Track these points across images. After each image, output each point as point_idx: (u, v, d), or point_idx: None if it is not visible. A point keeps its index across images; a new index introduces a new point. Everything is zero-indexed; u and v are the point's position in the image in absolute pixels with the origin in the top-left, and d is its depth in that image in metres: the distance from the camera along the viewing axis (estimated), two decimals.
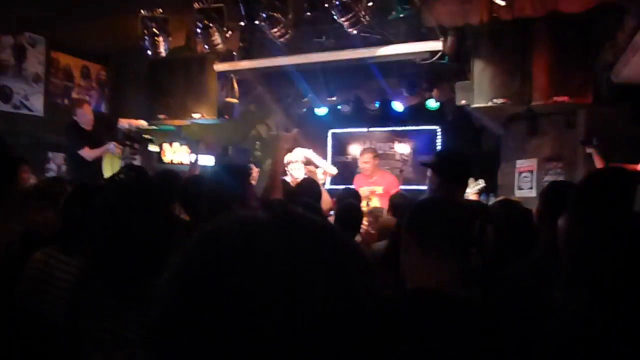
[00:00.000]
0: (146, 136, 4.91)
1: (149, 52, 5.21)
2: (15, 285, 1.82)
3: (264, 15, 4.67)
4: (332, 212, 3.72)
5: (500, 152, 6.13)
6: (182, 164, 6.92)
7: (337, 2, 4.36)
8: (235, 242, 0.45)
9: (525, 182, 5.47)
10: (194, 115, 5.80)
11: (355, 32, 4.59)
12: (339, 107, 6.99)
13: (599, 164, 4.18)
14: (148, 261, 1.21)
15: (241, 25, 5.14)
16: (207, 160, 7.30)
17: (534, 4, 4.33)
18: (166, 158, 6.73)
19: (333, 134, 8.20)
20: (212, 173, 2.41)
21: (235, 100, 6.03)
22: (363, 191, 4.85)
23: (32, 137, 5.44)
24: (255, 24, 4.83)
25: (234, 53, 5.62)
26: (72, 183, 3.48)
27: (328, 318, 0.42)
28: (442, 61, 4.99)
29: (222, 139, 7.42)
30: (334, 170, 5.02)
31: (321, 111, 7.16)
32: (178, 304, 0.44)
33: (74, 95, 6.03)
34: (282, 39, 4.86)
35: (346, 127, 8.05)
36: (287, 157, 4.38)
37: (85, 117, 4.93)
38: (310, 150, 4.89)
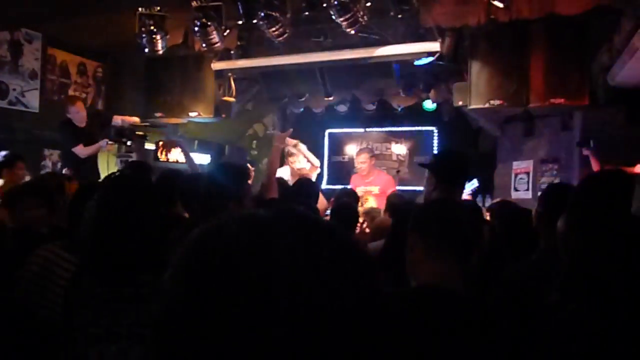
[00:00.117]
0: (139, 133, 4.89)
1: (147, 50, 5.19)
2: (10, 281, 1.81)
3: (262, 14, 4.66)
4: (327, 212, 3.73)
5: (497, 154, 6.15)
6: (177, 162, 6.90)
7: (336, 2, 4.36)
8: (238, 239, 0.45)
9: (522, 183, 5.49)
10: (191, 113, 5.79)
11: (353, 32, 4.59)
12: (335, 107, 6.99)
13: (595, 166, 4.20)
14: (142, 258, 1.21)
15: (239, 24, 5.12)
16: (203, 159, 7.30)
17: (531, 5, 4.35)
18: (162, 156, 6.71)
19: (330, 133, 8.21)
20: (209, 172, 2.42)
21: (232, 99, 6.02)
22: (359, 191, 4.87)
23: (27, 133, 5.42)
24: (254, 22, 4.82)
25: (232, 52, 5.61)
26: (70, 178, 3.47)
27: (332, 314, 0.42)
28: (440, 62, 5.00)
29: (218, 138, 7.42)
30: (317, 163, 5.12)
31: (318, 111, 7.16)
32: (181, 300, 0.44)
33: (70, 92, 6.01)
34: (280, 38, 4.85)
35: (343, 127, 8.06)
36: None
37: (78, 114, 4.92)
38: (297, 142, 4.94)
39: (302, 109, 7.00)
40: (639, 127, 4.35)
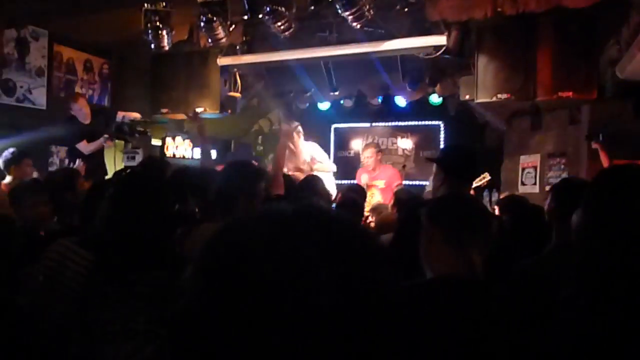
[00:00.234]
0: (140, 129, 4.89)
1: (152, 46, 5.20)
2: (17, 278, 1.83)
3: (268, 9, 4.65)
4: (332, 207, 3.72)
5: (504, 148, 6.12)
6: (184, 157, 6.92)
7: None
8: (260, 235, 0.45)
9: (529, 177, 5.47)
10: (196, 109, 5.79)
11: (359, 26, 4.57)
12: (341, 101, 6.97)
13: (604, 159, 4.17)
14: (156, 255, 1.21)
15: (244, 19, 5.12)
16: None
17: None
18: (168, 152, 6.73)
19: (335, 128, 8.19)
20: (223, 169, 2.41)
21: (238, 95, 6.02)
22: (364, 185, 4.89)
23: (35, 130, 5.44)
24: (259, 18, 4.81)
25: (237, 47, 5.60)
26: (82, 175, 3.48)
27: (357, 307, 0.42)
28: (446, 56, 4.98)
29: (224, 134, 7.42)
30: (330, 168, 5.12)
31: (324, 106, 7.15)
32: (203, 296, 0.44)
33: (77, 89, 6.03)
34: (285, 33, 4.84)
35: (349, 122, 8.04)
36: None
37: (81, 111, 4.94)
38: (315, 145, 4.92)
39: (307, 104, 7.00)
40: None
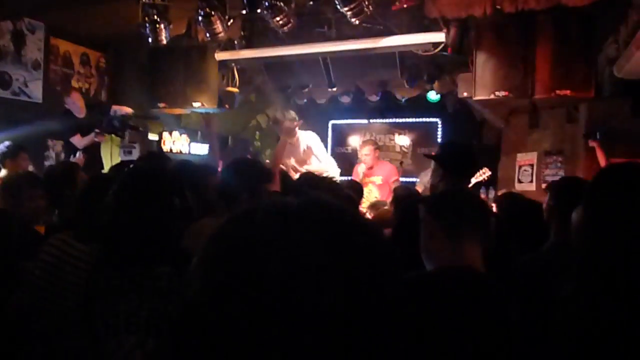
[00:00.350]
0: (131, 124, 4.86)
1: (150, 40, 5.17)
2: (16, 272, 1.82)
3: (267, 3, 4.63)
4: None
5: (501, 145, 6.13)
6: (181, 152, 6.90)
7: None
8: (267, 228, 0.44)
9: (526, 175, 5.48)
10: (194, 104, 5.77)
11: (357, 22, 4.56)
12: (339, 98, 6.97)
13: (601, 158, 4.19)
14: (160, 250, 1.21)
15: (243, 14, 5.10)
16: (206, 149, 7.30)
17: None
18: (165, 147, 6.71)
19: (333, 125, 8.19)
20: (228, 166, 2.41)
21: (236, 90, 6.01)
22: (360, 168, 4.91)
23: (31, 124, 5.41)
24: (257, 12, 4.79)
25: (235, 42, 5.58)
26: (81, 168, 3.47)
27: (364, 298, 0.42)
28: (445, 53, 4.97)
29: (221, 129, 7.40)
30: (330, 172, 5.03)
31: (322, 102, 7.14)
32: (207, 287, 0.44)
33: (73, 83, 6.00)
34: (284, 29, 4.82)
35: (346, 119, 8.04)
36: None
37: (75, 105, 4.90)
38: (313, 135, 4.88)
39: (305, 100, 6.99)
40: None
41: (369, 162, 5.30)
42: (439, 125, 7.65)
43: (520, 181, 5.55)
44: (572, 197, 1.32)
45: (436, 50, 4.89)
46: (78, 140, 4.84)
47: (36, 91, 5.59)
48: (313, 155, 5.02)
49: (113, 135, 5.05)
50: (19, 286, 1.75)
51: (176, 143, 6.89)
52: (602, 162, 4.19)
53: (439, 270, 1.37)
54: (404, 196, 3.28)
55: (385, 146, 7.74)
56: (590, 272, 1.02)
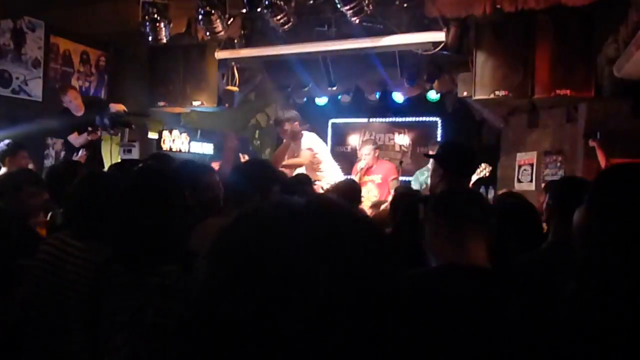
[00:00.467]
0: (124, 120, 4.81)
1: (150, 39, 5.17)
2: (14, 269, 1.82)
3: (267, 2, 4.64)
4: None
5: (501, 145, 6.13)
6: (180, 152, 6.90)
7: None
8: (276, 223, 0.45)
9: (525, 175, 5.49)
10: (194, 102, 5.78)
11: (357, 21, 4.56)
12: (339, 97, 6.97)
13: (601, 158, 4.19)
14: (168, 248, 1.22)
15: (243, 13, 5.10)
16: (206, 148, 7.30)
17: None
18: (165, 146, 6.71)
19: (333, 124, 8.19)
20: (237, 167, 2.43)
21: (235, 89, 6.01)
22: (360, 165, 4.91)
23: (30, 122, 5.41)
24: (258, 11, 4.79)
25: (235, 41, 5.59)
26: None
27: (367, 294, 0.43)
28: (444, 52, 4.98)
29: (221, 128, 7.40)
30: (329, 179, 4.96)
31: (321, 101, 7.14)
32: (216, 284, 0.45)
33: (73, 81, 5.99)
34: (284, 28, 4.83)
35: (346, 118, 8.03)
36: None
37: (71, 103, 4.87)
38: (313, 137, 4.86)
39: (305, 99, 6.99)
40: None
41: (368, 161, 5.30)
42: (439, 125, 7.65)
43: (520, 181, 5.56)
44: (571, 197, 1.34)
45: (436, 50, 4.90)
46: (74, 139, 4.82)
47: (36, 89, 5.59)
48: (316, 158, 4.96)
49: (105, 132, 5.00)
50: (18, 285, 1.75)
51: (176, 142, 6.88)
52: (602, 162, 4.20)
53: (442, 266, 1.40)
54: (403, 196, 3.28)
55: (385, 145, 7.74)
56: (592, 272, 1.03)
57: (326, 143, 7.83)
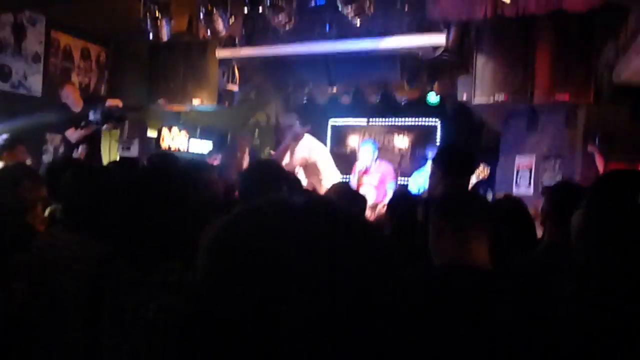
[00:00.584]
0: (116, 115, 4.80)
1: (151, 36, 5.17)
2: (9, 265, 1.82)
3: (268, 2, 4.64)
4: None
5: (500, 148, 6.14)
6: (179, 150, 6.89)
7: None
8: (276, 219, 0.46)
9: (523, 179, 5.49)
10: (194, 100, 5.78)
11: (358, 22, 4.57)
12: (339, 97, 6.97)
13: (600, 162, 4.21)
14: (171, 244, 1.22)
15: (244, 12, 5.11)
16: (205, 146, 7.29)
17: (538, 1, 4.32)
18: (164, 144, 6.70)
19: (333, 125, 8.19)
20: (252, 165, 2.44)
21: (235, 87, 6.01)
22: (358, 166, 4.90)
23: (29, 117, 5.40)
24: (259, 11, 4.80)
25: (236, 40, 5.59)
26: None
27: (365, 292, 0.43)
28: (445, 55, 4.99)
29: (221, 126, 7.40)
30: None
31: (321, 101, 7.14)
32: (213, 279, 0.45)
33: (73, 77, 5.98)
34: (285, 27, 4.83)
35: (346, 118, 8.04)
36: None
37: (69, 98, 4.85)
38: (311, 140, 4.84)
39: (305, 99, 6.98)
40: None
41: (367, 162, 5.30)
42: (438, 127, 7.66)
43: (518, 184, 5.56)
44: (568, 200, 1.36)
45: (437, 52, 4.91)
46: (71, 134, 4.80)
47: (35, 84, 5.58)
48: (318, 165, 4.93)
49: (97, 126, 4.98)
50: (15, 279, 1.75)
51: (175, 139, 6.87)
52: (601, 167, 4.21)
53: (442, 266, 1.42)
54: (400, 199, 3.29)
55: (384, 147, 7.74)
56: (590, 274, 1.05)
57: (325, 144, 7.85)
